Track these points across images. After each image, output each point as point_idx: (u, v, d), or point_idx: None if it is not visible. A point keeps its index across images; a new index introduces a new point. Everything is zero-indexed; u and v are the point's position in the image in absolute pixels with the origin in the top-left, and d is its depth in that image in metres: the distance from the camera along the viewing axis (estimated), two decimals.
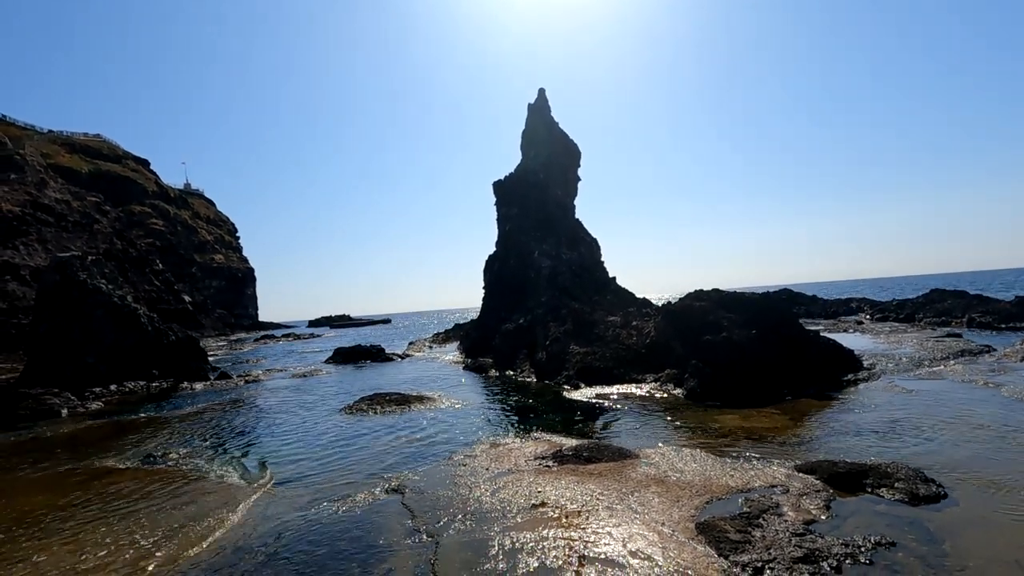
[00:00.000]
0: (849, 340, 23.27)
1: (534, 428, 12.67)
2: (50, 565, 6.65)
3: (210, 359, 31.20)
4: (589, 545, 6.27)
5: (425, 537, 6.82)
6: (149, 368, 25.08)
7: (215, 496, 9.10)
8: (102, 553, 6.91)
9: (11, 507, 8.94)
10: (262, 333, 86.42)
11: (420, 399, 17.08)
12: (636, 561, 5.83)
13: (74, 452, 12.72)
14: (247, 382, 25.67)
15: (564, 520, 7.03)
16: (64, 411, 18.37)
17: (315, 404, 18.16)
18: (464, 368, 26.18)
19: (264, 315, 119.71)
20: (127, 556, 6.80)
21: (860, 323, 35.74)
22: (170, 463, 11.33)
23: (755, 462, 8.95)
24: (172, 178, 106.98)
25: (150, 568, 6.45)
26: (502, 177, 36.45)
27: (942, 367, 17.08)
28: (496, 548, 6.34)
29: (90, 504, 8.88)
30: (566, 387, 18.21)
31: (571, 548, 6.21)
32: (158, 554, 6.82)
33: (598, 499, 7.66)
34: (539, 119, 35.69)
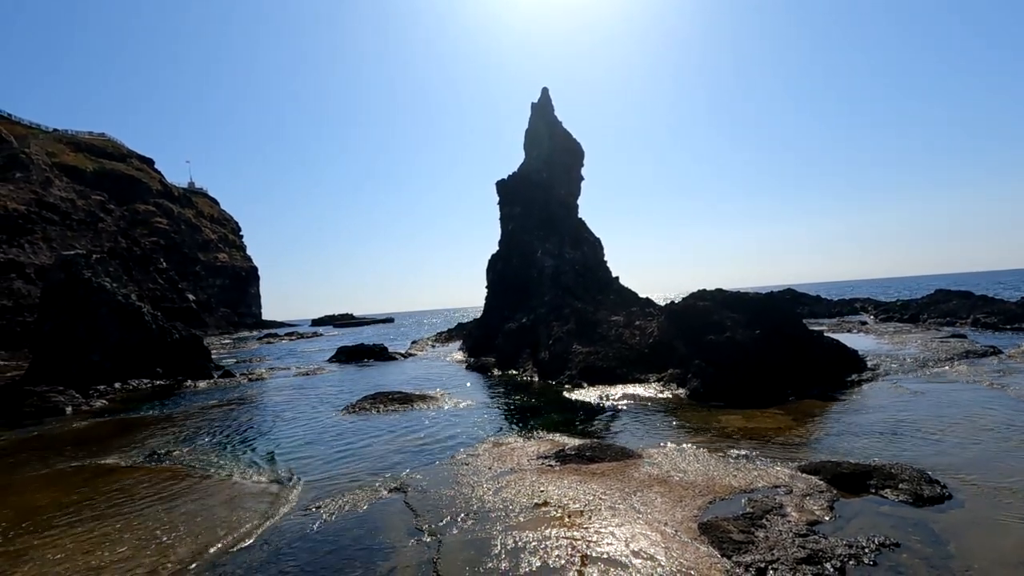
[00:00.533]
0: (853, 340, 23.18)
1: (537, 428, 12.67)
2: (57, 563, 6.69)
3: (214, 357, 31.32)
4: (592, 545, 6.27)
5: (428, 536, 6.83)
6: (153, 366, 25.18)
7: (218, 494, 9.13)
8: (104, 553, 6.94)
9: (18, 504, 8.99)
10: (265, 332, 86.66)
11: (423, 398, 17.11)
12: (639, 561, 5.82)
13: (79, 450, 12.78)
14: (250, 380, 25.75)
15: (567, 520, 7.03)
16: (69, 409, 18.45)
17: (318, 403, 18.21)
18: (467, 367, 26.20)
19: (267, 314, 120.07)
20: (128, 556, 6.83)
21: (864, 323, 35.61)
22: (174, 461, 11.38)
23: (758, 462, 8.92)
24: (176, 177, 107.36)
25: (151, 567, 6.47)
26: (505, 176, 36.45)
27: (947, 368, 17.00)
28: (499, 547, 6.35)
29: (95, 502, 8.91)
30: (569, 387, 18.21)
31: (574, 548, 6.21)
32: (160, 553, 6.85)
33: (601, 499, 7.66)
34: (542, 118, 35.64)
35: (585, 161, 35.74)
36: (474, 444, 11.48)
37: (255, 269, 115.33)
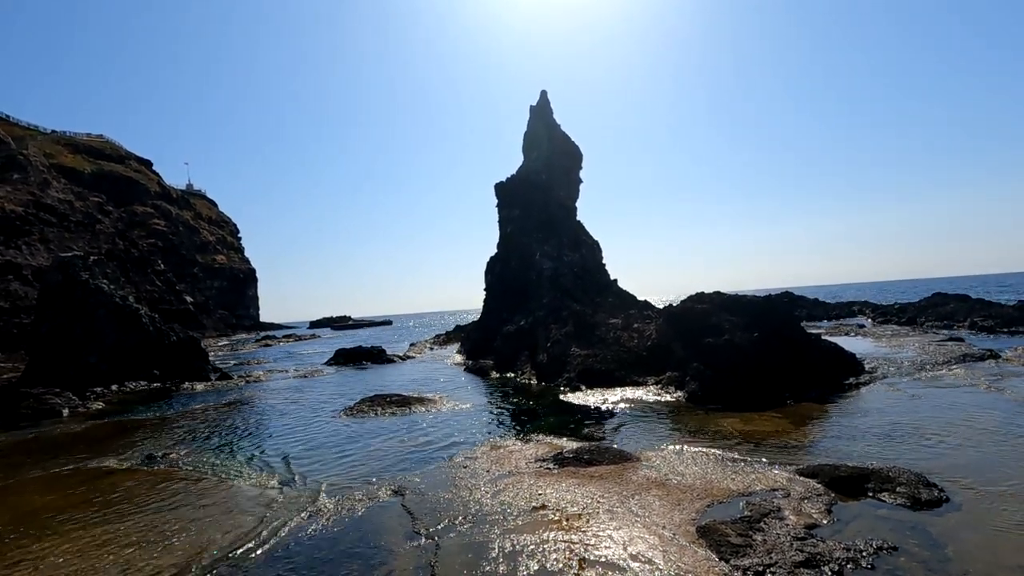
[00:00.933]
0: (851, 343, 23.23)
1: (535, 430, 12.66)
2: (55, 567, 6.66)
3: (211, 359, 31.22)
4: (590, 548, 6.26)
5: (425, 539, 6.82)
6: (150, 368, 25.10)
7: (215, 497, 9.10)
8: (103, 556, 6.91)
9: (15, 507, 8.94)
10: (263, 334, 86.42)
11: (421, 401, 17.09)
12: (637, 564, 5.81)
13: (76, 452, 12.72)
14: (248, 383, 25.69)
15: (565, 523, 7.02)
16: (66, 411, 18.39)
17: (316, 405, 18.17)
18: (465, 370, 26.17)
19: (265, 316, 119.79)
20: (127, 559, 6.80)
21: (862, 326, 35.68)
22: (172, 463, 11.34)
23: (756, 465, 8.93)
24: (175, 179, 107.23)
25: (150, 570, 6.44)
26: (504, 179, 36.51)
27: (944, 371, 17.03)
28: (496, 551, 6.34)
29: (92, 505, 8.88)
30: (567, 389, 18.19)
31: (571, 551, 6.20)
32: (159, 556, 6.82)
33: (599, 502, 7.66)
34: (541, 121, 35.73)
35: (584, 163, 35.86)
36: (472, 447, 11.47)
37: (253, 271, 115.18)
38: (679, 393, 15.75)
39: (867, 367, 17.75)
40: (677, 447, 10.39)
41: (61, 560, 6.77)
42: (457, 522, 7.29)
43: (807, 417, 12.42)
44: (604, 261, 34.32)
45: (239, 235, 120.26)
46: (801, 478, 8.15)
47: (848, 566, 5.56)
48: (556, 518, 7.20)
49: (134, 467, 11.18)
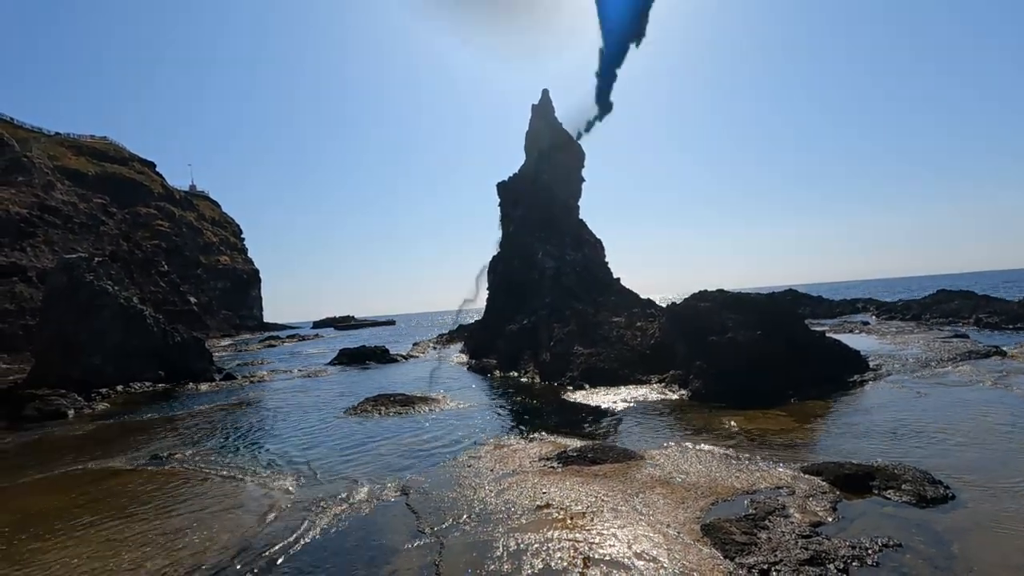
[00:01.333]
0: (855, 341, 23.12)
1: (538, 429, 12.66)
2: (63, 568, 6.69)
3: (215, 360, 31.32)
4: (594, 547, 6.26)
5: (430, 538, 6.83)
6: (155, 369, 25.20)
7: (221, 496, 9.14)
8: (110, 557, 6.94)
9: (22, 508, 9.00)
10: (267, 334, 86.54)
11: (425, 400, 17.11)
12: (641, 563, 5.81)
13: (82, 453, 12.79)
14: (252, 383, 25.77)
15: (569, 522, 7.02)
16: (71, 412, 18.48)
17: (320, 405, 18.21)
18: (468, 369, 26.20)
19: (269, 316, 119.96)
20: (133, 560, 6.83)
21: (866, 323, 35.52)
22: (177, 463, 11.39)
23: (760, 463, 8.91)
24: (178, 180, 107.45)
25: (156, 571, 6.47)
26: (506, 178, 36.49)
27: (949, 368, 16.95)
28: (501, 549, 6.34)
29: (99, 505, 8.92)
30: (570, 388, 18.19)
31: (576, 550, 6.20)
32: (165, 557, 6.85)
33: (603, 500, 7.65)
34: (542, 120, 35.70)
35: (585, 162, 35.81)
36: (476, 446, 11.48)
37: (256, 272, 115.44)
38: (682, 391, 15.73)
39: (871, 364, 17.67)
40: (681, 445, 10.37)
41: (75, 562, 6.80)
42: (461, 521, 7.30)
43: (811, 415, 12.39)
44: (607, 260, 34.30)
45: (242, 236, 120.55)
46: (806, 476, 8.13)
47: (853, 564, 5.54)
48: (560, 517, 7.20)
49: (140, 467, 11.23)
